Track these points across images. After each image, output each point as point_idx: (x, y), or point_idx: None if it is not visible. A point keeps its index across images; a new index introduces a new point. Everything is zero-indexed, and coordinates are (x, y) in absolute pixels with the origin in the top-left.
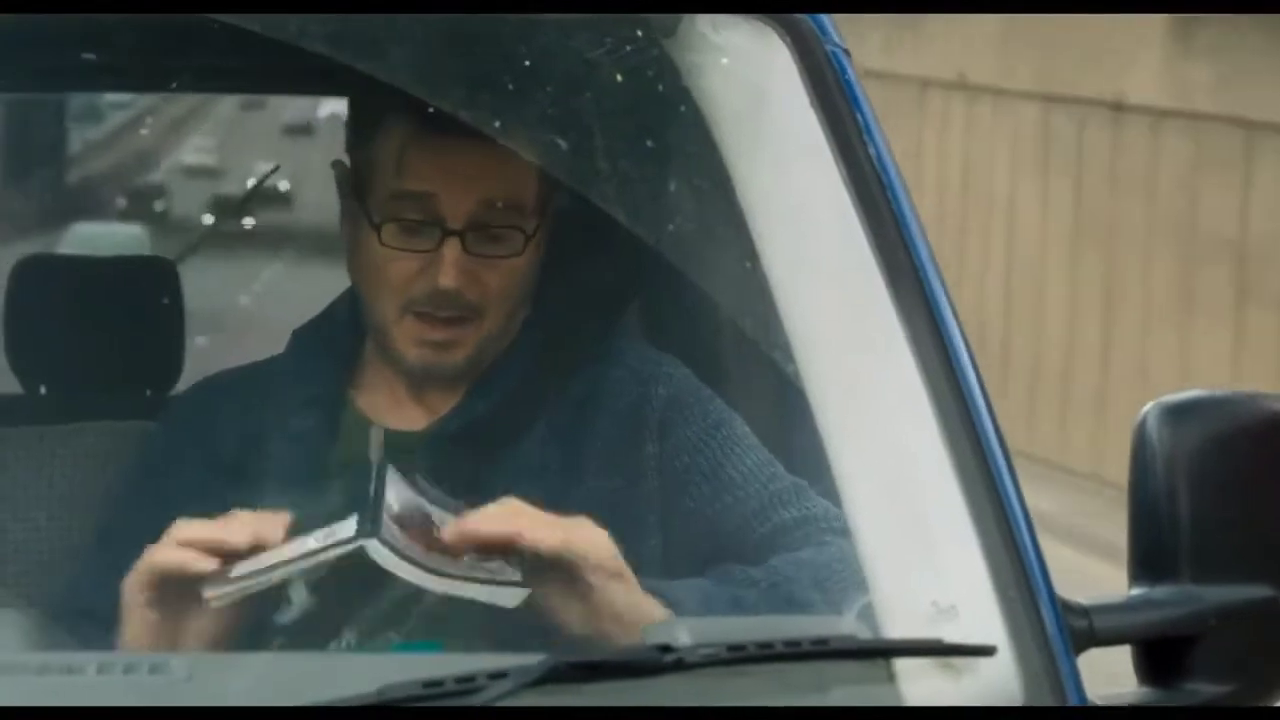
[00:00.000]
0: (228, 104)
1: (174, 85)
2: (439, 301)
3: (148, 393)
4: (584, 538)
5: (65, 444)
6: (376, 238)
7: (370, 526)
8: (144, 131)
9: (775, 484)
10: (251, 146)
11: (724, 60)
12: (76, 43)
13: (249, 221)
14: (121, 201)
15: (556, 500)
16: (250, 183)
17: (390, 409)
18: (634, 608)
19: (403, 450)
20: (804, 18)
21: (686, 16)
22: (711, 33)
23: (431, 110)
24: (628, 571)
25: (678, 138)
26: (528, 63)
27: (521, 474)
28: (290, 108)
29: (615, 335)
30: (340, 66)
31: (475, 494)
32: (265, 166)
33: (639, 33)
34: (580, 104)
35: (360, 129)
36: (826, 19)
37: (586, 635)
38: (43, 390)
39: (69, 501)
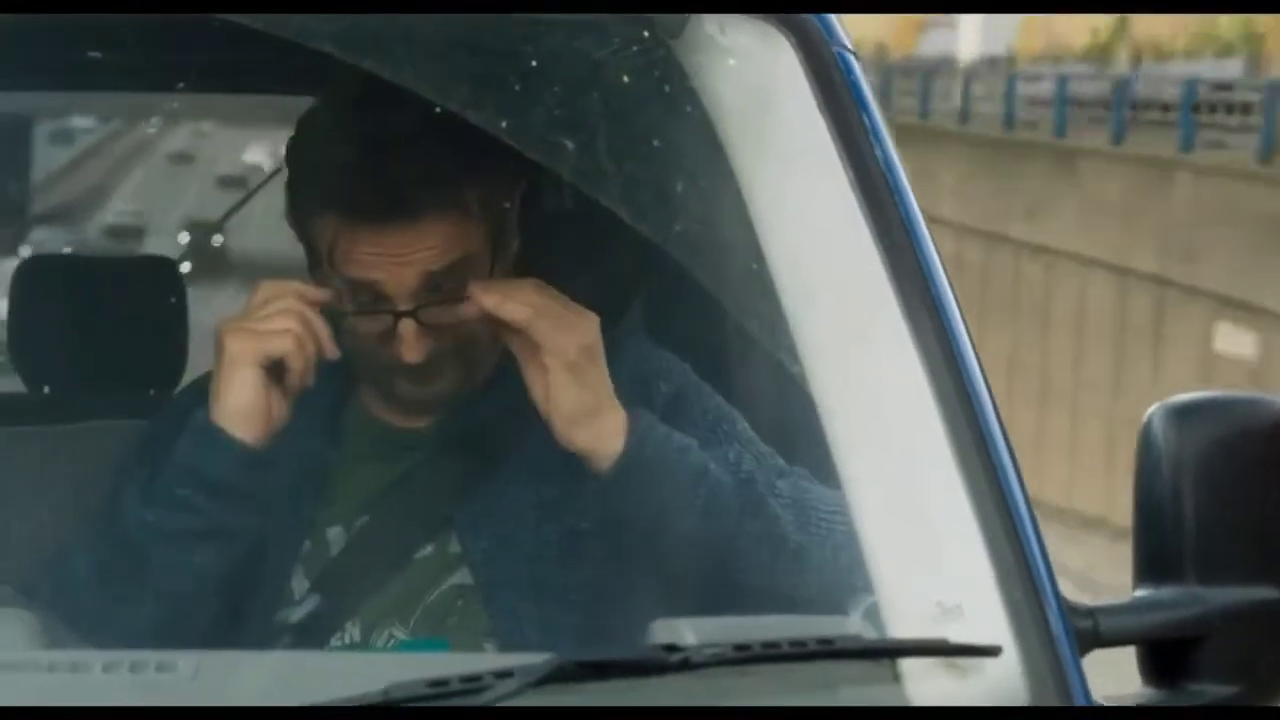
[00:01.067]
0: (156, 158)
1: (177, 86)
2: (409, 371)
3: (151, 392)
4: (553, 321)
5: (68, 443)
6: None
7: None
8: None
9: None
10: (182, 202)
11: (730, 61)
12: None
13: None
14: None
15: (559, 498)
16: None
17: (395, 406)
18: (580, 402)
19: (406, 448)
20: (811, 19)
21: (693, 17)
22: (718, 34)
23: (358, 195)
24: (591, 369)
25: (684, 139)
26: (534, 64)
27: (522, 471)
28: (222, 160)
29: (617, 334)
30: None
31: (478, 492)
32: (200, 221)
33: (645, 34)
34: (587, 105)
35: (295, 210)
36: (834, 21)
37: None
38: (46, 390)
39: (72, 500)
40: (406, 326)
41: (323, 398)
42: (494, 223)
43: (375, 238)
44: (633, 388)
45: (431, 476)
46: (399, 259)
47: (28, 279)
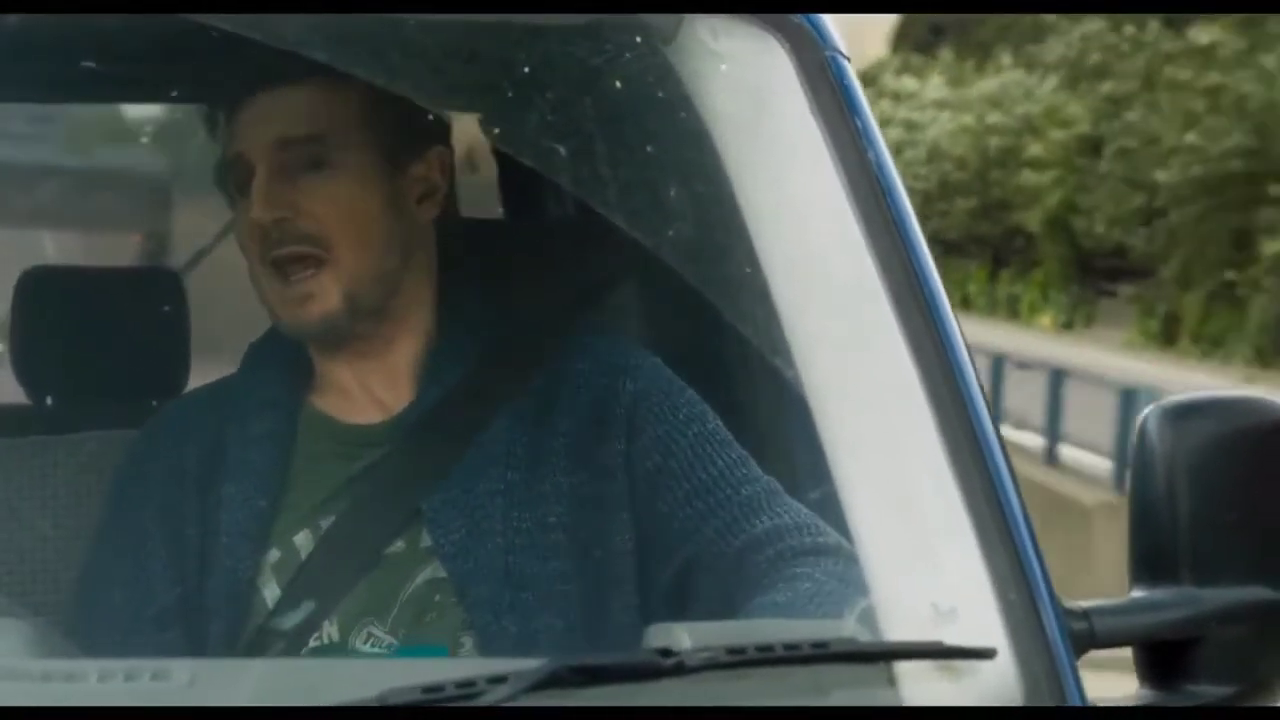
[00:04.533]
0: None
1: (175, 94)
2: (268, 237)
3: (153, 403)
4: None
5: (69, 453)
6: (234, 217)
7: None
8: None
9: (747, 488)
10: None
11: (723, 66)
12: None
13: None
14: None
15: (523, 488)
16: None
17: (346, 406)
18: None
19: (366, 445)
20: (803, 23)
21: (686, 22)
22: (711, 39)
23: (237, 81)
24: None
25: (677, 144)
26: (528, 70)
27: (487, 462)
28: None
29: (583, 328)
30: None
31: (443, 483)
32: None
33: (638, 39)
34: (581, 110)
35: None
36: (826, 25)
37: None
38: (48, 400)
39: (72, 510)
40: (258, 181)
41: (275, 405)
42: (355, 122)
43: (241, 110)
44: (596, 385)
45: (394, 470)
46: (255, 124)
47: (30, 290)
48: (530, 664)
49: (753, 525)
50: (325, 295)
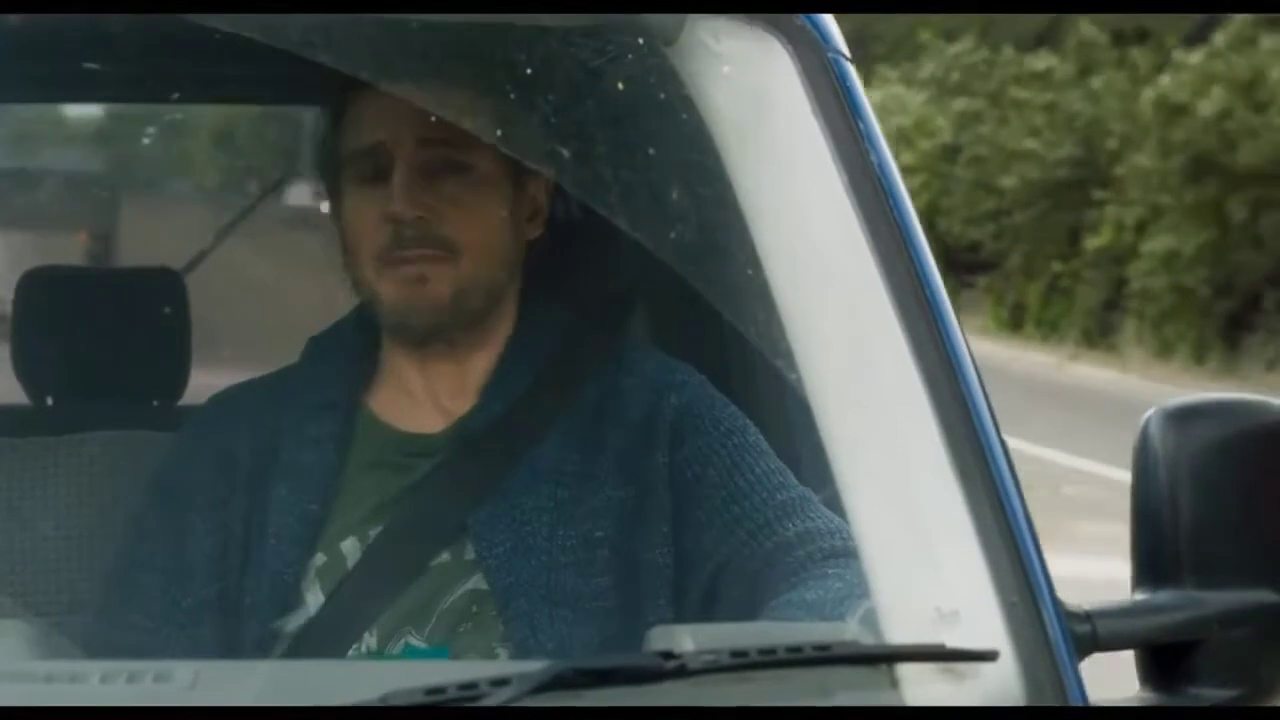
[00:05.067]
0: None
1: (177, 95)
2: (401, 234)
3: (154, 403)
4: None
5: (71, 454)
6: (346, 203)
7: None
8: None
9: (782, 494)
10: None
11: (725, 68)
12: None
13: None
14: None
15: (571, 505)
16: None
17: (405, 413)
18: None
19: (421, 455)
20: (805, 24)
21: (688, 24)
22: (713, 41)
23: (369, 72)
24: None
25: (680, 146)
26: (529, 71)
27: (536, 479)
28: None
29: (629, 343)
30: (331, 75)
31: (492, 497)
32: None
33: (640, 41)
34: (582, 112)
35: (332, 123)
36: (829, 26)
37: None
38: (49, 401)
39: (74, 511)
40: (400, 177)
41: (334, 406)
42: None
43: (382, 101)
44: (643, 401)
45: (445, 482)
46: (399, 118)
47: (31, 291)
48: (534, 666)
49: (785, 528)
50: (440, 281)
